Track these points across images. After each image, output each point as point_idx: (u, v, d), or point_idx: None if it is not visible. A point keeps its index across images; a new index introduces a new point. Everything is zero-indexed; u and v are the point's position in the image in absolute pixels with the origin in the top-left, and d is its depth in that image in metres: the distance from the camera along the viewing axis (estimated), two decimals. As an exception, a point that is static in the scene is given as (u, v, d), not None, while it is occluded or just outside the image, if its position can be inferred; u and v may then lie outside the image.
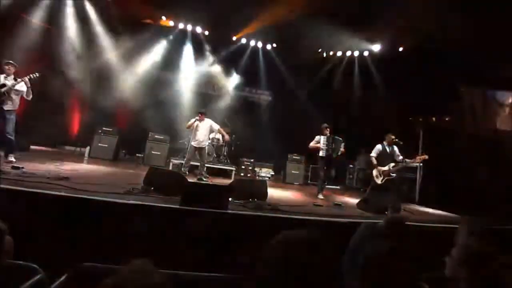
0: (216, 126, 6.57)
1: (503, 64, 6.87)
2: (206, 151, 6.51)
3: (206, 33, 9.53)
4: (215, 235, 3.12)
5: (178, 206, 3.32)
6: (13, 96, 4.86)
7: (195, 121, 6.26)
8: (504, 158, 7.25)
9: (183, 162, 7.09)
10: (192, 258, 2.71)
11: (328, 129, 6.33)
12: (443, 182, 6.48)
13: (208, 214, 3.24)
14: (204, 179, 6.30)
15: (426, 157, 5.75)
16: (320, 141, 6.29)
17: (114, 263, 1.84)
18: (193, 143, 6.27)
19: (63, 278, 1.63)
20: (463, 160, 6.46)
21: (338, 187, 9.00)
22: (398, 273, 1.10)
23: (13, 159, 4.70)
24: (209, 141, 6.60)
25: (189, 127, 6.36)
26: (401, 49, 8.67)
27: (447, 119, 8.35)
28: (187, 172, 6.35)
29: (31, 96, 5.02)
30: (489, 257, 1.21)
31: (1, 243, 1.34)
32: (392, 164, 5.84)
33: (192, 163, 6.65)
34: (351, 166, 9.41)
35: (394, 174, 5.88)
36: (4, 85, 4.77)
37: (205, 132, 6.39)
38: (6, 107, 4.80)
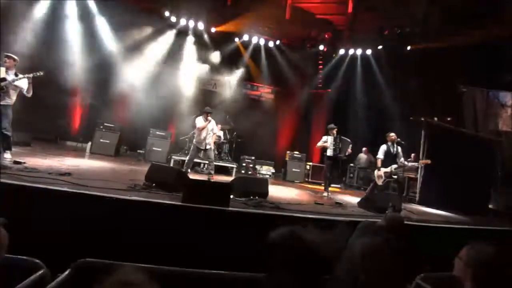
0: (216, 130, 6.36)
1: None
2: (212, 150, 6.35)
3: (208, 29, 9.47)
4: (216, 232, 3.12)
5: (180, 203, 3.33)
6: (11, 92, 4.68)
7: (207, 122, 6.03)
8: (506, 159, 7.24)
9: (184, 158, 7.08)
10: (193, 254, 2.72)
11: (335, 130, 6.47)
12: (444, 183, 6.47)
13: (210, 211, 3.25)
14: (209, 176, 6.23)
15: (429, 161, 5.79)
16: (327, 141, 6.45)
17: (116, 259, 1.85)
18: (198, 145, 6.09)
19: (66, 273, 1.64)
20: (464, 160, 6.44)
21: (339, 186, 9.01)
22: (395, 269, 1.10)
23: (9, 155, 4.55)
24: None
25: (203, 128, 6.04)
26: (408, 48, 8.63)
27: (449, 119, 8.34)
28: (189, 170, 6.29)
29: (31, 93, 4.86)
30: (497, 259, 1.20)
31: None
32: (395, 166, 5.86)
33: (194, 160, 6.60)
34: (351, 165, 9.41)
35: (395, 176, 5.90)
36: (4, 79, 4.58)
37: (209, 133, 6.17)
38: (3, 102, 4.60)
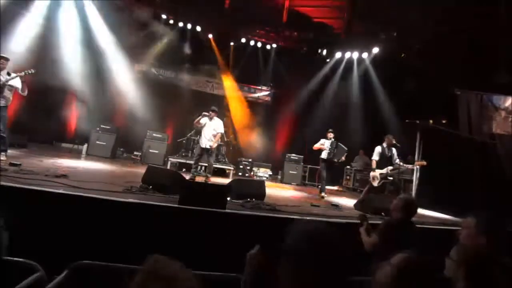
0: (219, 130, 6.12)
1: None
2: (214, 151, 6.24)
3: (206, 31, 9.49)
4: (213, 235, 3.12)
5: (176, 205, 3.33)
6: (6, 92, 4.64)
7: (201, 117, 5.92)
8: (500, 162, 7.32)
9: (181, 160, 7.05)
10: (190, 256, 2.72)
11: (332, 134, 6.67)
12: (439, 184, 6.53)
13: (207, 214, 3.25)
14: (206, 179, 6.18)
15: (425, 163, 5.84)
16: (324, 144, 6.64)
17: (112, 262, 1.85)
18: (201, 144, 5.99)
19: (62, 275, 1.64)
20: (459, 163, 6.52)
21: (335, 187, 9.05)
22: None
23: (4, 158, 4.52)
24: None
25: (196, 124, 6.00)
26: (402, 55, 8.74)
27: (444, 122, 8.41)
28: (195, 174, 6.16)
29: (26, 92, 4.83)
30: (487, 258, 1.23)
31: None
32: (390, 168, 5.89)
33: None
34: (348, 167, 9.45)
35: (391, 178, 5.94)
36: None
37: (212, 132, 6.03)
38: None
